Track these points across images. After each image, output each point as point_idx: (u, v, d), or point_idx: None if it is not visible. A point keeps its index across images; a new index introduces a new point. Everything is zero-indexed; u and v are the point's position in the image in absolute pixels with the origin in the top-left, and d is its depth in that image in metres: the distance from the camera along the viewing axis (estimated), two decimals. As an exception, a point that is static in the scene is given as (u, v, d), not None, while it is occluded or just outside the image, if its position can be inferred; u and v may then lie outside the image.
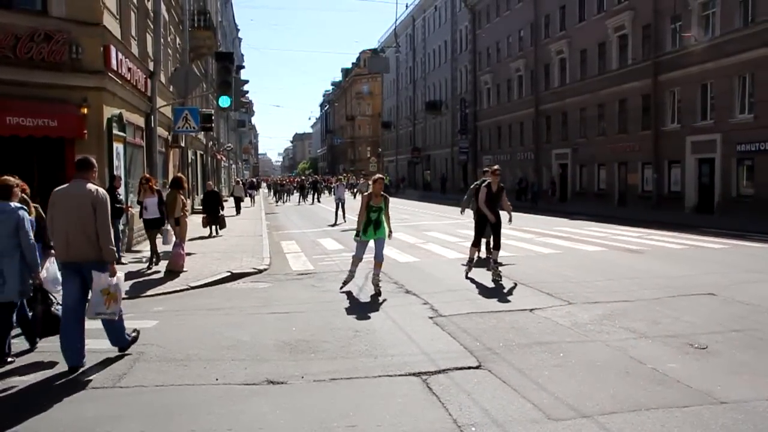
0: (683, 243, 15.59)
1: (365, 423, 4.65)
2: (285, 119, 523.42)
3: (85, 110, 12.78)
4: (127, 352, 6.50)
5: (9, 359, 6.33)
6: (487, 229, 11.24)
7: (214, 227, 19.08)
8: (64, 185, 6.34)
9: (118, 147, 14.42)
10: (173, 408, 5.06)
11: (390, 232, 9.92)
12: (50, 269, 6.85)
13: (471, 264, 11.16)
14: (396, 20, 59.03)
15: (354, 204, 24.77)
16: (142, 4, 17.82)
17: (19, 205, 6.36)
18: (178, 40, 25.26)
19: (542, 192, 38.15)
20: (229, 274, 11.47)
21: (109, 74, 13.51)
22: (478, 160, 51.91)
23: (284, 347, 6.69)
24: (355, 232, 10.12)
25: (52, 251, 6.58)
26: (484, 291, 9.68)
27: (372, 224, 9.73)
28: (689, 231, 18.63)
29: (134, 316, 7.48)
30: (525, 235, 18.08)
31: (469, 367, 5.90)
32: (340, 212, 25.35)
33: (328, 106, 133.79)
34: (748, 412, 4.70)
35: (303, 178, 60.02)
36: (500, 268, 10.74)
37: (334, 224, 23.45)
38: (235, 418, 4.77)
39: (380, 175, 10.30)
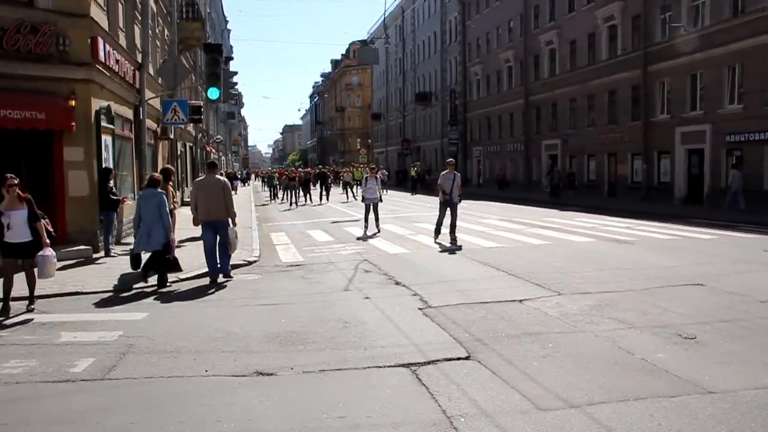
0: (672, 234, 15.67)
1: (355, 414, 4.66)
2: (275, 111, 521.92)
3: (73, 102, 12.66)
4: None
5: (168, 283, 9.74)
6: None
7: None
8: (203, 177, 10.68)
9: (106, 139, 14.31)
10: (163, 400, 5.06)
11: None
12: None
13: None
14: (385, 11, 58.88)
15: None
16: (129, -6, 17.64)
17: (161, 190, 9.84)
18: (166, 31, 25.02)
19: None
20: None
21: (97, 66, 13.38)
22: (468, 152, 51.95)
23: (273, 339, 6.68)
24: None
25: None
26: (473, 282, 9.69)
27: None
28: (678, 221, 18.74)
29: (123, 308, 7.44)
30: (514, 225, 18.13)
31: (459, 358, 5.92)
32: (371, 217, 17.32)
33: (317, 98, 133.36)
34: (735, 401, 4.75)
35: (307, 170, 43.47)
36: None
37: (364, 236, 16.08)
38: (224, 410, 4.76)
39: None
